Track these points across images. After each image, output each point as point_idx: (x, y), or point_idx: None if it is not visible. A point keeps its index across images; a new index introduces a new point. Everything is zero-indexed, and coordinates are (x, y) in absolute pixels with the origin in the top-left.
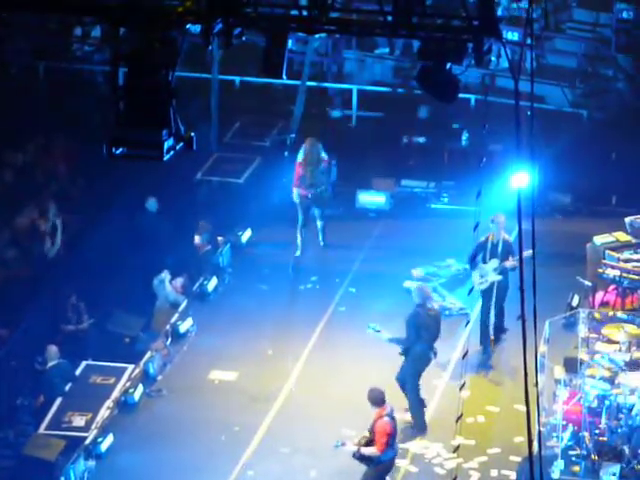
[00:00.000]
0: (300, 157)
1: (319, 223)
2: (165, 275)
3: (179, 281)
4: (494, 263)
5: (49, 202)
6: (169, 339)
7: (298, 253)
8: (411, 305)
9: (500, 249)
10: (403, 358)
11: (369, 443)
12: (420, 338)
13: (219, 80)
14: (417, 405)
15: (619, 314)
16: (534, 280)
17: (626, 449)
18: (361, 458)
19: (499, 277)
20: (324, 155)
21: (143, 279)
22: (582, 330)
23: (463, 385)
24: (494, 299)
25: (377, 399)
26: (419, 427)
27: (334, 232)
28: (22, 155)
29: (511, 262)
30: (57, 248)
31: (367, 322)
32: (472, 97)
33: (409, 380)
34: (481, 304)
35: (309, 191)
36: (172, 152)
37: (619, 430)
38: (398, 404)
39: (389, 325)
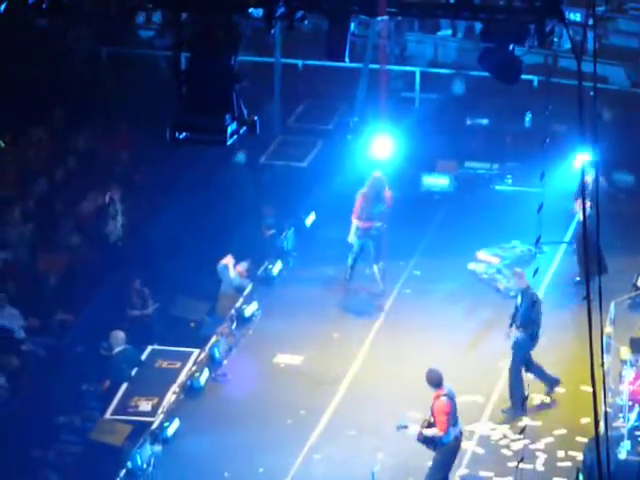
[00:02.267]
0: (363, 189)
1: (375, 268)
2: (229, 259)
3: (243, 265)
4: None
5: (113, 187)
6: (234, 323)
7: (348, 277)
8: (475, 287)
9: None
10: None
11: (431, 425)
12: (531, 322)
13: (282, 64)
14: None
15: None
16: (600, 260)
17: None
18: (425, 441)
19: None
20: (388, 191)
21: (208, 263)
22: None
23: (529, 367)
24: None
25: (434, 380)
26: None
27: (398, 215)
28: (84, 141)
29: None
30: (119, 233)
31: (432, 305)
32: (535, 78)
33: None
34: None
35: (367, 224)
36: (235, 136)
37: None
38: (460, 387)
39: (454, 307)
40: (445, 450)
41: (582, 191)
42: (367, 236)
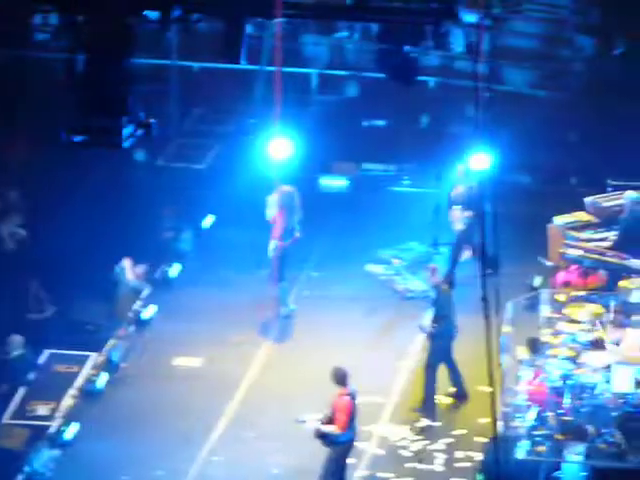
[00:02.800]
0: (275, 207)
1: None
2: (127, 262)
3: (141, 268)
4: None
5: (8, 189)
6: (132, 326)
7: (285, 311)
8: (374, 288)
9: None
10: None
11: (330, 422)
12: (444, 318)
13: (178, 66)
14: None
15: (581, 294)
16: (496, 261)
17: (590, 428)
18: (321, 436)
19: None
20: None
21: (106, 266)
22: (544, 310)
23: (425, 367)
24: None
25: (340, 378)
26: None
27: None
28: None
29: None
30: (15, 236)
31: (331, 306)
32: (432, 79)
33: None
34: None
35: (286, 242)
36: (132, 139)
37: (583, 409)
38: (359, 387)
39: (353, 308)
40: (340, 449)
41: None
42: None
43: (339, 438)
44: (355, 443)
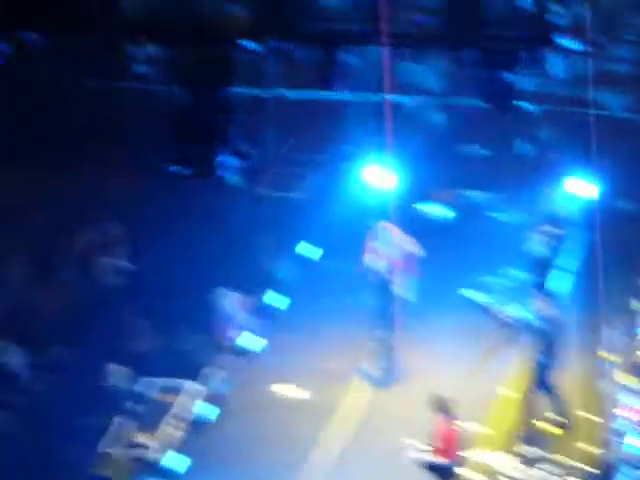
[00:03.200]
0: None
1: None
2: (226, 291)
3: (241, 297)
4: None
5: (111, 221)
6: (233, 356)
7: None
8: (474, 315)
9: None
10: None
11: (436, 452)
12: (549, 345)
13: (275, 95)
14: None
15: None
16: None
17: None
18: (430, 467)
19: None
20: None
21: (204, 296)
22: None
23: (527, 394)
24: None
25: (441, 407)
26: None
27: None
28: (83, 176)
29: None
30: (119, 267)
31: (430, 333)
32: (529, 105)
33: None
34: None
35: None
36: (231, 168)
37: None
38: (460, 414)
39: (452, 334)
40: (448, 476)
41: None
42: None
43: (450, 467)
44: (459, 471)
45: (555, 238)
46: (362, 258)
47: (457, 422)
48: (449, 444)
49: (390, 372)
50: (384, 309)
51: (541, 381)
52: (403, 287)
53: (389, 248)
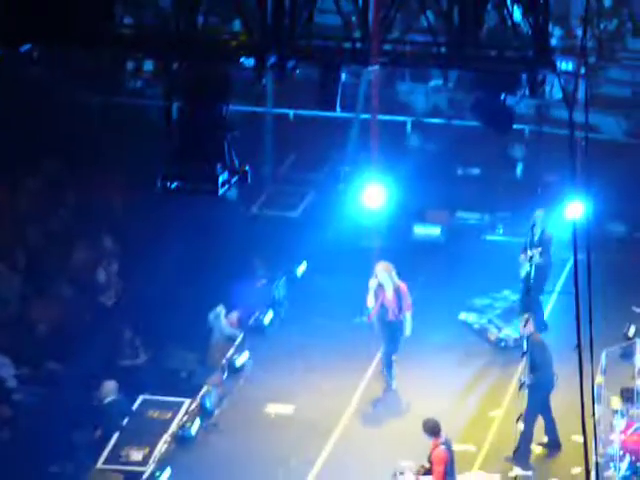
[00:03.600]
0: (377, 282)
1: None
2: (220, 309)
3: (235, 315)
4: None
5: (105, 237)
6: (225, 373)
7: (394, 386)
8: (467, 337)
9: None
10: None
11: (427, 472)
12: (540, 368)
13: (273, 113)
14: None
15: None
16: (590, 310)
17: None
18: None
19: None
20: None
21: (199, 313)
22: (639, 360)
23: (520, 417)
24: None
25: (432, 429)
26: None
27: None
28: (78, 191)
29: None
30: (113, 286)
31: (424, 354)
32: (526, 127)
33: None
34: None
35: (398, 316)
36: (227, 186)
37: None
38: (452, 436)
39: (446, 357)
40: None
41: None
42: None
43: None
44: None
45: (545, 260)
46: (367, 303)
47: (449, 443)
48: (440, 465)
49: (386, 392)
50: (388, 348)
51: (533, 403)
52: (403, 324)
53: (389, 289)
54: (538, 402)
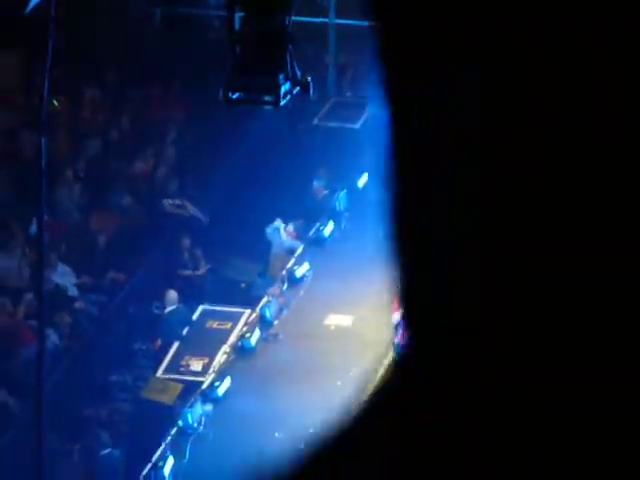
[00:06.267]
0: None
1: None
2: (278, 223)
3: (294, 226)
4: None
5: (166, 149)
6: (285, 284)
7: None
8: None
9: None
10: None
11: None
12: None
13: (336, 24)
14: None
15: None
16: None
17: None
18: None
19: None
20: None
21: (259, 225)
22: None
23: None
24: None
25: None
26: None
27: None
28: (138, 102)
29: None
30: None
31: None
32: None
33: None
34: None
35: None
36: (289, 97)
37: None
38: None
39: None
40: None
41: None
42: None
43: None
44: None
45: None
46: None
47: None
48: None
49: None
50: None
51: None
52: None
53: None
54: None
